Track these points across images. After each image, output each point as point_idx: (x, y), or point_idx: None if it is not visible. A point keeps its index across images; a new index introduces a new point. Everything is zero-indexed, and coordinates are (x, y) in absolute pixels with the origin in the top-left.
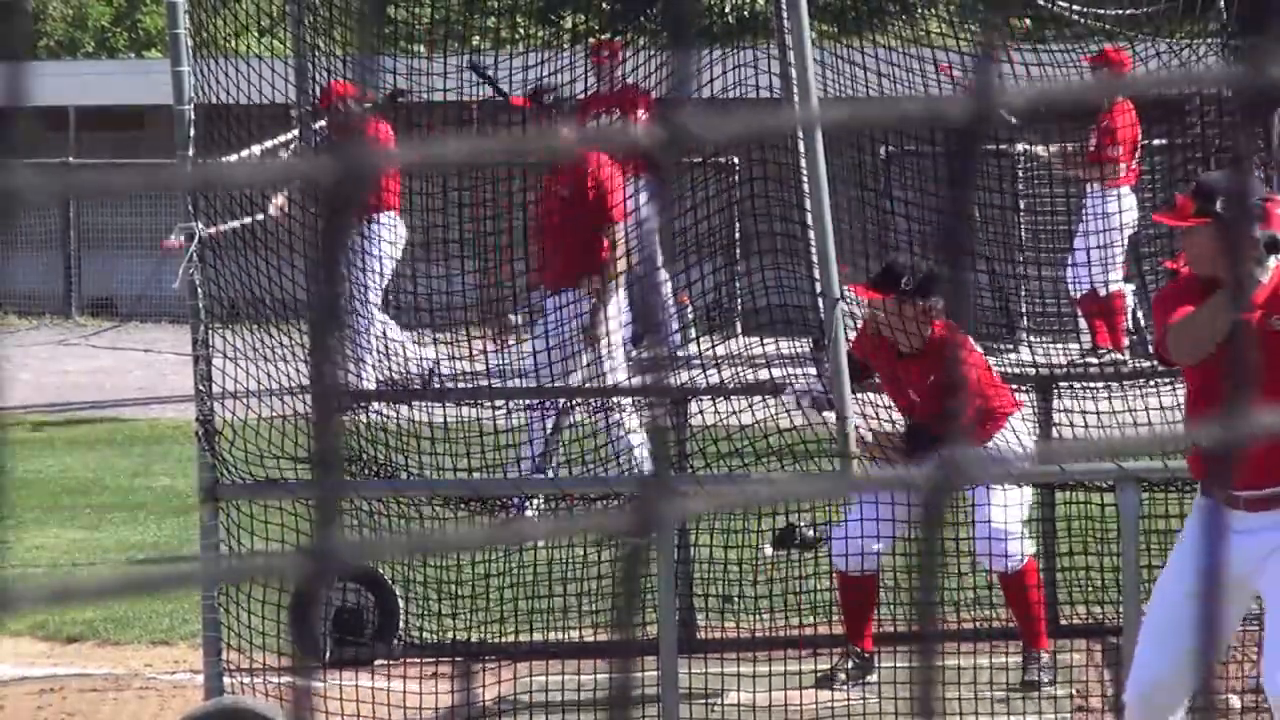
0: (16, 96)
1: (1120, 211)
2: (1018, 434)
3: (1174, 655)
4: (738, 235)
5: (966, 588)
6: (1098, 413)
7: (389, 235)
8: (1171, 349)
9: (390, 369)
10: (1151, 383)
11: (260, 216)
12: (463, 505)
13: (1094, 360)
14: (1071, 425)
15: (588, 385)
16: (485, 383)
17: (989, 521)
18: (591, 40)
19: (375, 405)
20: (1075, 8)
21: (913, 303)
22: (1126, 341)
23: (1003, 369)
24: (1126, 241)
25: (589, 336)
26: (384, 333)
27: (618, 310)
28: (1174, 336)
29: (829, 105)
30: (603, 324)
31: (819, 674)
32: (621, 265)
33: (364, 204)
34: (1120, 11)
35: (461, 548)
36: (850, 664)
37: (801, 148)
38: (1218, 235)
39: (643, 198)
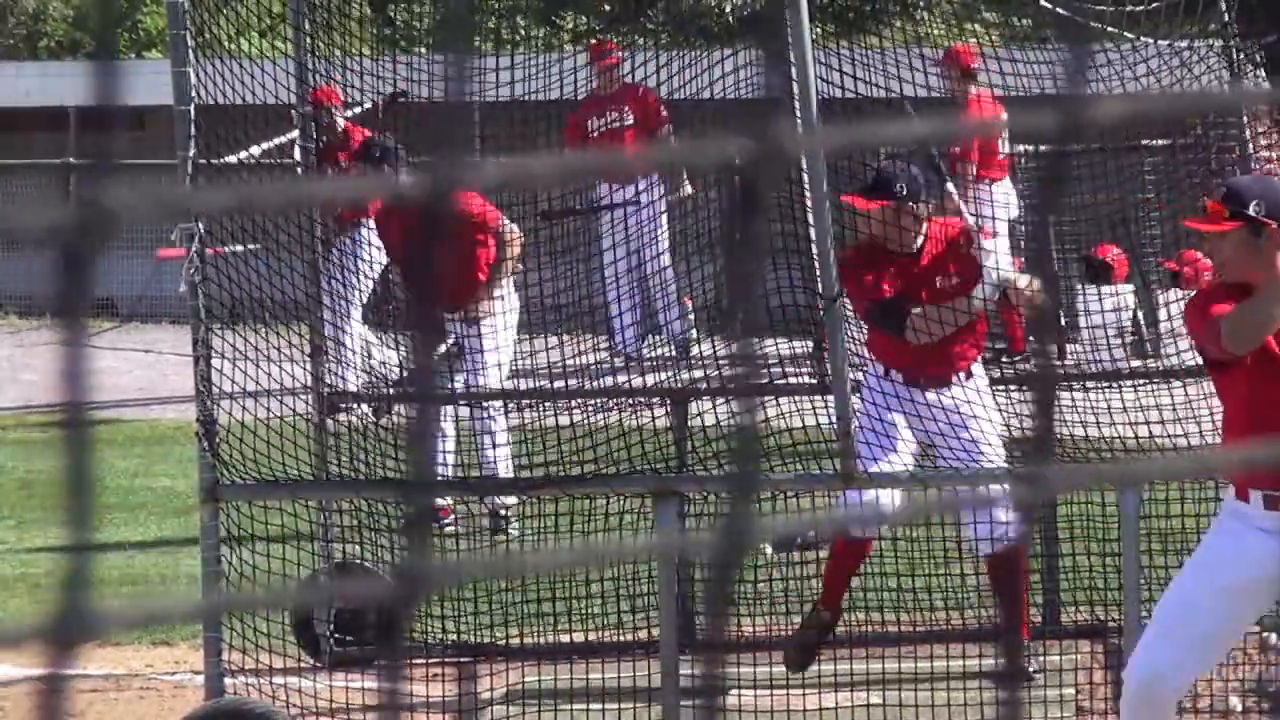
0: None
1: (1000, 205)
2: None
3: (1181, 647)
4: (738, 235)
5: (971, 588)
6: (1097, 422)
7: (372, 242)
8: (1229, 337)
9: (373, 374)
10: (1151, 383)
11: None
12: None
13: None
14: (1071, 433)
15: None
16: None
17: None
18: (593, 41)
19: (362, 407)
20: (1074, 5)
21: (909, 206)
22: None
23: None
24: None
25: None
26: (364, 343)
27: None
28: (1232, 325)
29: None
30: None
31: (792, 645)
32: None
33: (346, 213)
34: (1120, 9)
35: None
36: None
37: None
38: (1251, 239)
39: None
